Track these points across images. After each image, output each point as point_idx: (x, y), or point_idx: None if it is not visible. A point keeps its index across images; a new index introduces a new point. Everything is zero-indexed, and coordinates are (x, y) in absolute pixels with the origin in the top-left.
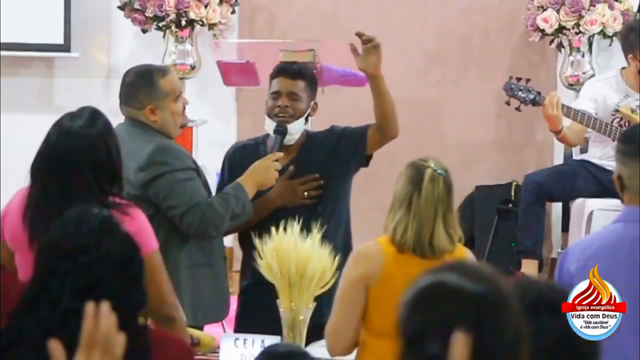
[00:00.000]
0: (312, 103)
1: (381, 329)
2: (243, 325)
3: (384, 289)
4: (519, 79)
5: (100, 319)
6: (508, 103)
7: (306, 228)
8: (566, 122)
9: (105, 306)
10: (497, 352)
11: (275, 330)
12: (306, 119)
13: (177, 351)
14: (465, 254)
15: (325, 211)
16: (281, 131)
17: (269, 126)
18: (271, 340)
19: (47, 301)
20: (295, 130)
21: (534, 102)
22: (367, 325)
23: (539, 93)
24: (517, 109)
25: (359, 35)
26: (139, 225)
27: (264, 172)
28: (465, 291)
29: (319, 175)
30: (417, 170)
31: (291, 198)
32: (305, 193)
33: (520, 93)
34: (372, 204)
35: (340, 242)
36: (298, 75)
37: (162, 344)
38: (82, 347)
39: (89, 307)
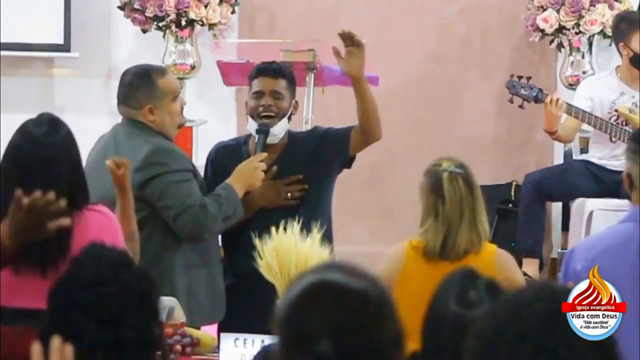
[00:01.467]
0: (294, 102)
1: None
2: (227, 327)
3: (403, 289)
4: (520, 77)
5: (52, 355)
6: (511, 101)
7: (287, 228)
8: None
9: (56, 341)
10: (382, 347)
11: (258, 330)
12: (289, 118)
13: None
14: (494, 256)
15: (307, 211)
16: (264, 131)
17: (252, 127)
18: (271, 340)
19: (70, 335)
20: (279, 130)
21: (537, 99)
22: None
23: (541, 90)
24: (521, 106)
25: (342, 36)
26: (97, 233)
27: (252, 173)
28: (351, 288)
29: (301, 175)
30: (434, 177)
31: (274, 199)
32: (289, 194)
33: (522, 90)
34: (372, 204)
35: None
36: (279, 74)
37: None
38: None
39: (54, 341)
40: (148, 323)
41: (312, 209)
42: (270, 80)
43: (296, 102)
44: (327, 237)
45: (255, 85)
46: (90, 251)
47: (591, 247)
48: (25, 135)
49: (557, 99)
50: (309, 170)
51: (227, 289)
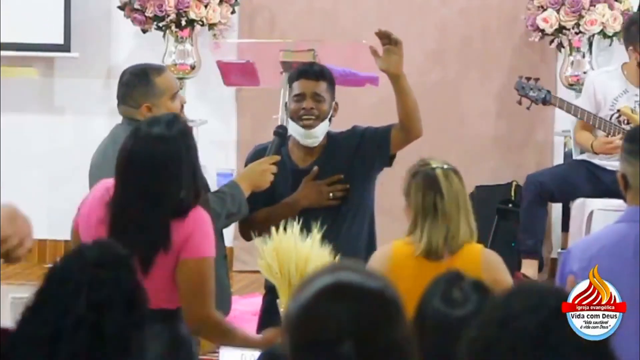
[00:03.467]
0: (334, 103)
1: None
2: (267, 324)
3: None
4: (528, 79)
5: None
6: (520, 102)
7: (331, 229)
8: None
9: None
10: (400, 345)
11: None
12: (329, 120)
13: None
14: (480, 255)
15: (350, 212)
16: (280, 133)
17: (294, 129)
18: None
19: (59, 307)
20: (320, 132)
21: (545, 102)
22: None
23: (549, 92)
24: (528, 108)
25: (379, 35)
26: (192, 229)
27: (260, 174)
28: (368, 288)
29: (342, 175)
30: (427, 175)
31: (317, 199)
32: (331, 194)
33: (531, 92)
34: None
35: (364, 242)
36: (320, 76)
37: None
38: None
39: None
40: (130, 331)
41: (354, 208)
42: (311, 82)
43: (336, 103)
44: (370, 236)
45: (296, 87)
46: (96, 242)
47: (587, 247)
48: (142, 134)
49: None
50: (350, 170)
51: (271, 290)
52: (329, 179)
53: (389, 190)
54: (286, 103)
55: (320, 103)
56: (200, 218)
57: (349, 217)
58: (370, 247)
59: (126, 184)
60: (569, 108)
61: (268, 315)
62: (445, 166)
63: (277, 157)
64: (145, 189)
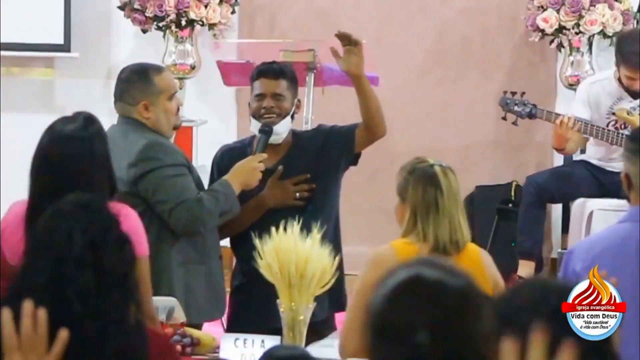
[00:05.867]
0: (296, 101)
1: None
2: (235, 325)
3: None
4: (513, 93)
5: (24, 320)
6: (505, 118)
7: (289, 228)
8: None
9: (28, 305)
10: (477, 342)
11: (267, 329)
12: (291, 118)
13: (157, 343)
14: (479, 253)
15: (315, 210)
16: (266, 131)
17: (255, 127)
18: (271, 340)
19: (55, 254)
20: (283, 129)
21: (530, 116)
22: None
23: (534, 106)
24: (514, 123)
25: (338, 36)
26: (128, 227)
27: (250, 172)
28: (447, 285)
29: (308, 175)
30: (426, 172)
31: (283, 199)
32: (297, 194)
33: (516, 107)
34: (372, 204)
35: (329, 241)
36: (280, 74)
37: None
38: (6, 351)
39: (26, 306)
40: (125, 267)
41: (319, 207)
42: (271, 81)
43: (299, 100)
44: (335, 236)
45: (257, 87)
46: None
47: (590, 247)
48: (53, 132)
49: (568, 120)
50: (315, 168)
51: (236, 290)
52: (296, 179)
53: (389, 191)
54: (249, 102)
55: (280, 101)
56: (130, 217)
57: (315, 216)
58: (336, 247)
59: (39, 182)
60: (556, 119)
61: (236, 314)
62: (443, 164)
63: (265, 155)
64: (58, 188)
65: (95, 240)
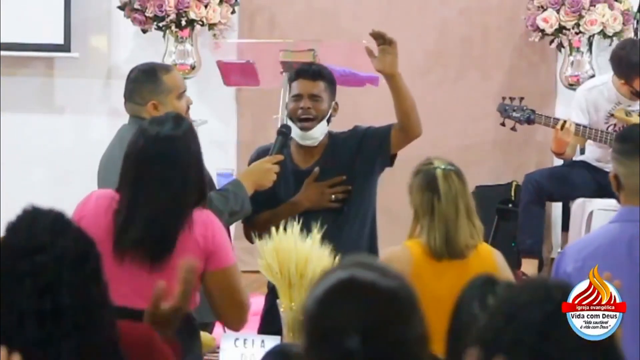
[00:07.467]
0: (333, 103)
1: None
2: (269, 324)
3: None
4: (512, 99)
5: None
6: (503, 124)
7: (332, 230)
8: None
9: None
10: (409, 346)
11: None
12: (328, 120)
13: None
14: (492, 254)
15: (351, 212)
16: (284, 132)
17: (293, 131)
18: (271, 340)
19: (6, 304)
20: (318, 133)
21: (529, 121)
22: None
23: (533, 111)
24: (513, 129)
25: (373, 35)
26: (217, 240)
27: (264, 173)
28: (381, 287)
29: (344, 176)
30: (427, 175)
31: (319, 201)
32: (333, 196)
33: (514, 113)
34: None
35: (365, 243)
36: (318, 76)
37: (130, 341)
38: None
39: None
40: (87, 287)
41: (355, 208)
42: (308, 82)
43: (336, 103)
44: (372, 237)
45: (294, 87)
46: (24, 217)
47: (581, 248)
48: (147, 134)
49: (566, 124)
50: (351, 170)
51: (271, 290)
52: (331, 181)
53: (389, 191)
54: (287, 103)
55: (317, 103)
56: (202, 218)
57: (351, 218)
58: (372, 248)
59: (137, 186)
60: (555, 124)
61: (270, 315)
62: (447, 166)
63: (281, 157)
64: (158, 190)
65: (48, 283)
